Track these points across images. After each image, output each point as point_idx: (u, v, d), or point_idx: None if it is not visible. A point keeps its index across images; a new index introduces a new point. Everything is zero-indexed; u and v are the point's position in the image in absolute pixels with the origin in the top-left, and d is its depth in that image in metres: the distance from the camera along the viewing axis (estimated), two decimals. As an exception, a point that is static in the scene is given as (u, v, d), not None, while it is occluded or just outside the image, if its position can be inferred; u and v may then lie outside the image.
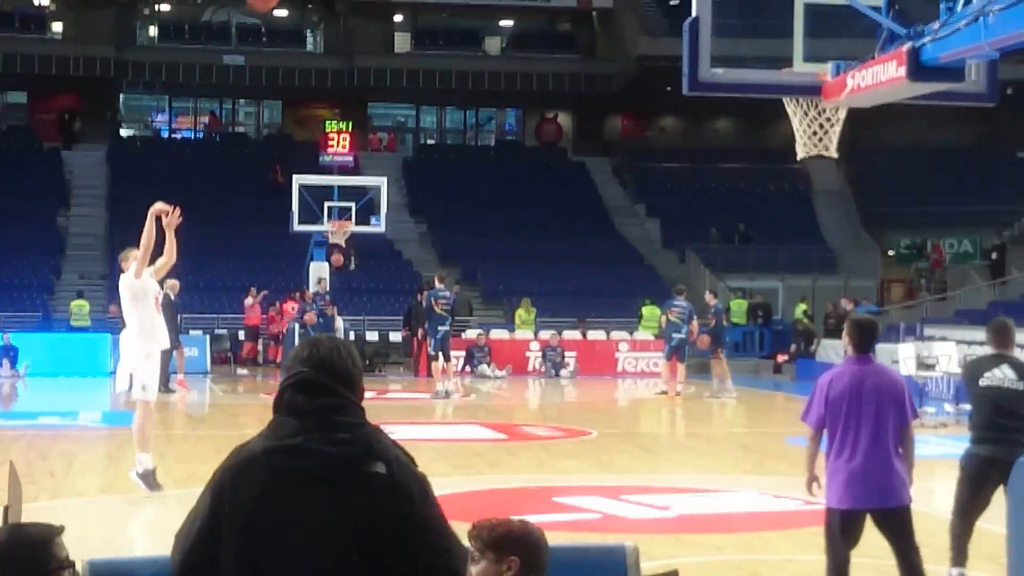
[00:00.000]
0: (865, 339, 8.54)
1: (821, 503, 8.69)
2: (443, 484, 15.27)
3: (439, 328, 27.00)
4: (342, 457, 4.12)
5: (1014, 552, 7.03)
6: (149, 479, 13.81)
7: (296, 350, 4.39)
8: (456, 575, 4.18)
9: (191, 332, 33.42)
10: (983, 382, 9.13)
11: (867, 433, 8.27)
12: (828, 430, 8.40)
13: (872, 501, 8.30)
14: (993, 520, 9.16)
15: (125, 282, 13.75)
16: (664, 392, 27.81)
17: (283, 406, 4.25)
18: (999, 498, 8.88)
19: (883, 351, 32.04)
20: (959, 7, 7.99)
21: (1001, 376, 9.13)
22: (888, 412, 8.31)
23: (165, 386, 27.17)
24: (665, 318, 28.01)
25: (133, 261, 13.64)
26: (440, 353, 27.16)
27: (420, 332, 31.46)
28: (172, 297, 27.17)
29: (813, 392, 8.54)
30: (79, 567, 4.27)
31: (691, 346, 28.09)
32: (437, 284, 27.76)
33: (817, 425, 8.45)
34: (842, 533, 8.39)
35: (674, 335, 27.52)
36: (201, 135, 55.36)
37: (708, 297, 29.46)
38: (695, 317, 27.88)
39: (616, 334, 36.69)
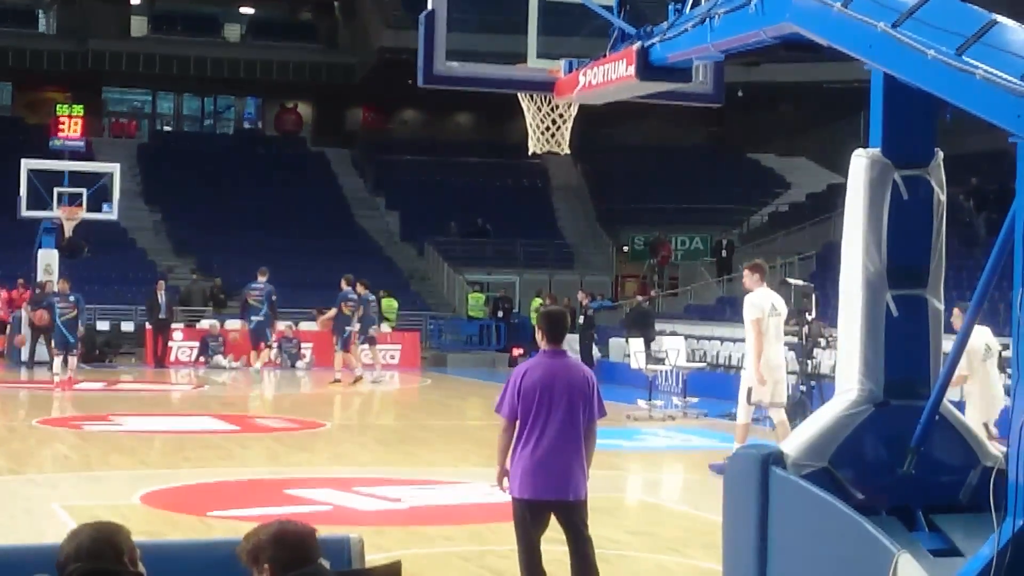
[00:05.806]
0: (556, 330, 8.56)
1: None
2: (172, 476, 15.04)
3: (252, 319, 29.88)
4: None
5: (728, 540, 7.26)
6: None
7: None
8: None
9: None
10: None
11: (555, 426, 8.33)
12: (520, 421, 8.43)
13: (552, 493, 8.39)
14: (712, 509, 9.41)
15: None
16: (359, 378, 28.92)
17: None
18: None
19: (616, 345, 32.82)
20: (687, 9, 8.20)
21: None
22: (577, 407, 8.39)
23: None
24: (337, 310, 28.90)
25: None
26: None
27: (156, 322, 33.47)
28: None
29: (507, 384, 8.54)
30: None
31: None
32: (259, 278, 30.13)
33: (510, 416, 8.45)
34: (530, 522, 8.47)
35: (347, 328, 28.67)
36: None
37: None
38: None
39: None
